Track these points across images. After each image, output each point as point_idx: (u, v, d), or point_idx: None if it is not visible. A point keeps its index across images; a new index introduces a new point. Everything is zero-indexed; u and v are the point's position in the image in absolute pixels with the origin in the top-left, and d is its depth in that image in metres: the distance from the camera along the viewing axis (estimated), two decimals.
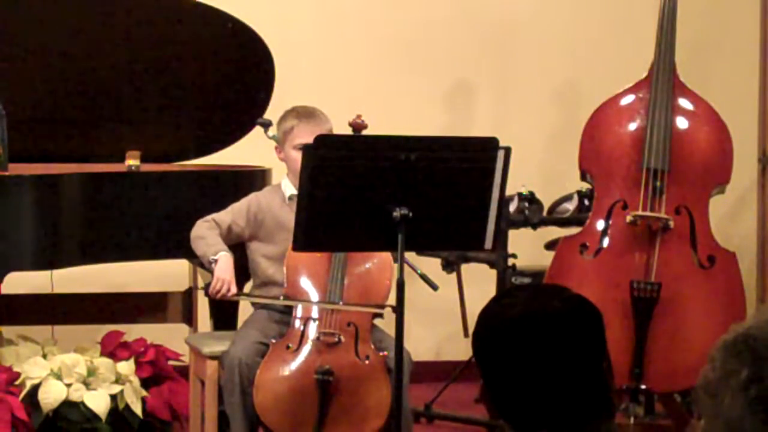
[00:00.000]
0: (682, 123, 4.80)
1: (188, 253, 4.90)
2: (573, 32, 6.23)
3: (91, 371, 4.68)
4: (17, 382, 4.61)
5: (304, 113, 4.45)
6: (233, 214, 4.45)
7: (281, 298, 4.32)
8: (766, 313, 1.62)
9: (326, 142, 3.83)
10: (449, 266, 5.40)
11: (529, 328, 1.92)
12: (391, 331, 3.96)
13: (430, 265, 5.13)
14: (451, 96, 6.23)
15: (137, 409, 4.68)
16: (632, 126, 4.79)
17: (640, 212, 4.71)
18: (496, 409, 1.94)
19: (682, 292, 4.69)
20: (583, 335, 1.93)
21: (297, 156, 4.29)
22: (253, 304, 4.53)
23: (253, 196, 4.53)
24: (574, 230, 4.95)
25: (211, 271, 4.32)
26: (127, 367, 4.74)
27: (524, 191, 5.22)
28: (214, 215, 4.44)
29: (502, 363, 1.92)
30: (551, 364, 1.89)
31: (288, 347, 4.23)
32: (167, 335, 5.09)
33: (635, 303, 4.67)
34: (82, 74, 5.01)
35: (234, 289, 4.29)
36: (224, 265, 4.28)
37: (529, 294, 2.00)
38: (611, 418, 1.95)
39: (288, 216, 4.28)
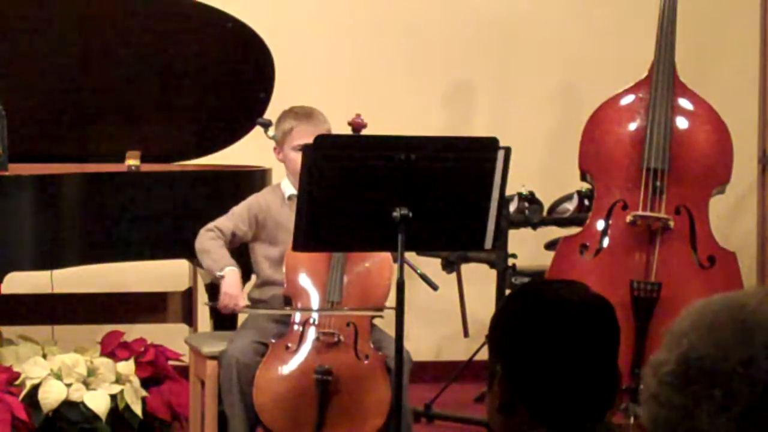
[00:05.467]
0: (682, 123, 4.80)
1: (188, 253, 4.91)
2: (573, 32, 6.23)
3: (91, 371, 4.68)
4: (17, 382, 4.61)
5: (302, 114, 4.45)
6: (235, 219, 4.44)
7: (292, 307, 4.31)
8: (687, 333, 1.54)
9: (326, 142, 3.83)
10: (449, 266, 5.40)
11: (564, 312, 1.92)
12: (391, 331, 3.96)
13: (430, 265, 5.13)
14: (451, 96, 6.22)
15: (137, 409, 4.68)
16: (632, 126, 4.79)
17: (640, 212, 4.71)
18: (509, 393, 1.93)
19: (682, 292, 4.69)
20: (607, 330, 1.94)
21: (296, 157, 4.29)
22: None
23: (252, 198, 4.52)
24: (574, 230, 4.95)
25: (218, 285, 4.32)
26: (127, 367, 4.75)
27: (524, 191, 5.22)
28: (216, 222, 4.42)
29: (525, 342, 1.92)
30: (573, 354, 1.90)
31: (287, 347, 4.23)
32: (167, 335, 5.08)
33: (635, 303, 4.68)
34: (82, 74, 5.01)
35: (242, 303, 4.30)
36: (231, 280, 4.28)
37: (564, 283, 2.00)
38: (602, 419, 1.95)
39: (288, 216, 4.28)
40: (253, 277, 4.56)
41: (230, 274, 4.29)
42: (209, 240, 4.38)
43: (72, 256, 4.59)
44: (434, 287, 4.54)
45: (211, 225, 4.41)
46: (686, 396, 1.49)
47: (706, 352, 1.51)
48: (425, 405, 5.42)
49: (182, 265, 5.19)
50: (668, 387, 1.51)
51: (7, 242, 4.42)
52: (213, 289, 4.89)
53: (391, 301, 3.87)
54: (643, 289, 4.69)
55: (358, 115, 4.38)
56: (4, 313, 4.92)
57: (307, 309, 4.29)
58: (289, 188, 4.45)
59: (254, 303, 4.52)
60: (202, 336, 4.78)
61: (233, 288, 4.27)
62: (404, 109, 5.95)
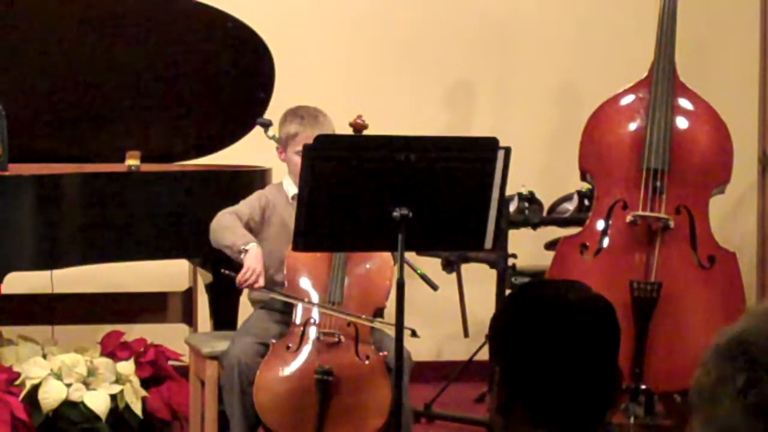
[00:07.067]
0: (682, 123, 4.80)
1: (188, 253, 4.91)
2: (573, 32, 6.23)
3: (91, 371, 4.68)
4: (17, 382, 4.61)
5: (307, 118, 4.43)
6: (250, 209, 4.43)
7: (306, 300, 4.30)
8: (758, 315, 1.59)
9: (326, 142, 3.83)
10: (449, 266, 5.40)
11: (564, 312, 1.91)
12: (391, 331, 3.96)
13: (430, 265, 5.13)
14: (451, 96, 6.22)
15: (137, 409, 4.68)
16: (632, 126, 4.79)
17: (640, 212, 4.71)
18: (507, 397, 1.93)
19: (682, 292, 4.69)
20: (607, 330, 1.93)
21: (299, 161, 4.29)
22: (253, 303, 4.53)
23: (261, 193, 4.51)
24: (574, 230, 4.95)
25: (239, 261, 4.28)
26: (127, 367, 4.75)
27: (524, 191, 5.22)
28: (234, 208, 4.39)
29: (526, 345, 1.91)
30: (573, 355, 1.90)
31: (288, 347, 4.23)
32: (167, 335, 5.09)
33: (635, 303, 4.67)
34: (82, 74, 5.01)
35: (262, 281, 4.26)
36: (254, 255, 4.24)
37: (564, 283, 1.99)
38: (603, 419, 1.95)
39: (292, 216, 4.28)
40: None
41: (254, 248, 4.25)
42: (230, 220, 4.35)
43: (72, 256, 4.59)
44: (434, 287, 4.54)
45: (227, 209, 4.39)
46: (720, 372, 1.55)
47: (754, 340, 1.56)
48: (425, 405, 5.42)
49: (182, 265, 5.19)
50: (712, 357, 1.58)
51: (7, 242, 4.43)
52: (221, 260, 4.70)
53: (392, 301, 3.87)
54: (643, 289, 4.68)
55: (359, 116, 4.38)
56: (4, 313, 4.92)
57: (319, 305, 4.28)
58: (292, 188, 4.44)
59: (254, 303, 4.52)
60: (202, 336, 4.78)
61: (257, 263, 4.23)
62: (404, 109, 5.95)
